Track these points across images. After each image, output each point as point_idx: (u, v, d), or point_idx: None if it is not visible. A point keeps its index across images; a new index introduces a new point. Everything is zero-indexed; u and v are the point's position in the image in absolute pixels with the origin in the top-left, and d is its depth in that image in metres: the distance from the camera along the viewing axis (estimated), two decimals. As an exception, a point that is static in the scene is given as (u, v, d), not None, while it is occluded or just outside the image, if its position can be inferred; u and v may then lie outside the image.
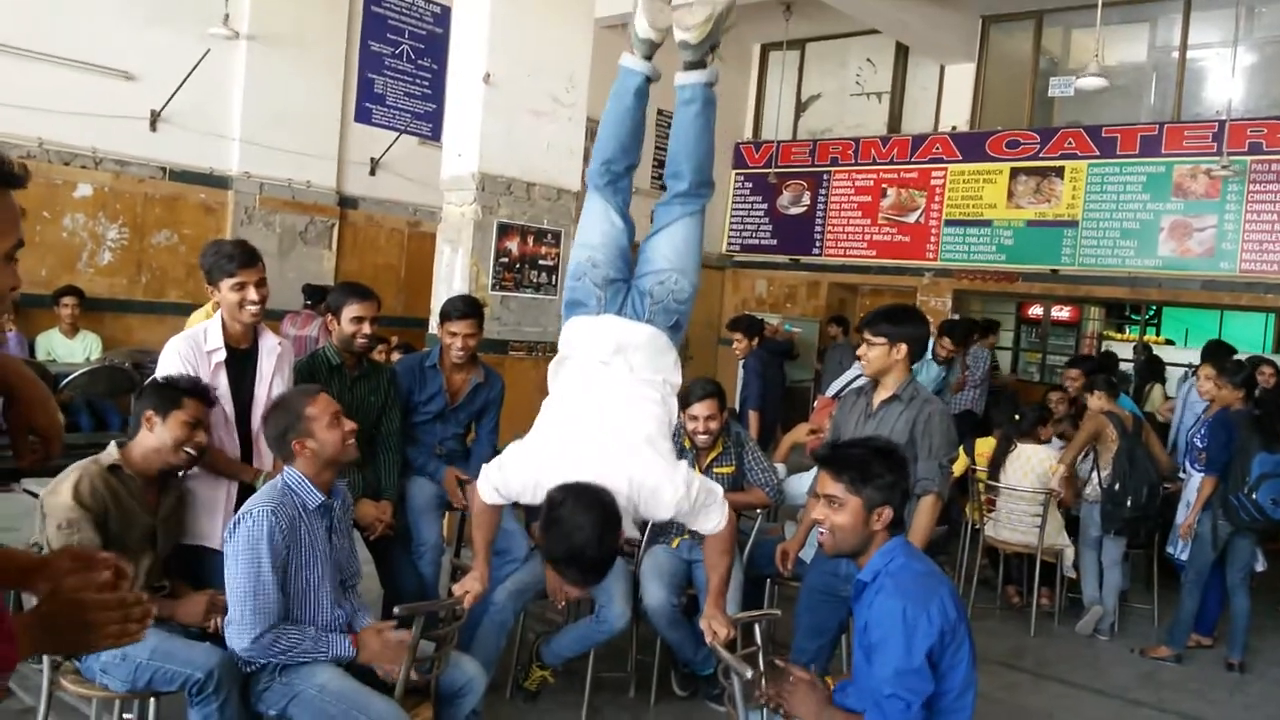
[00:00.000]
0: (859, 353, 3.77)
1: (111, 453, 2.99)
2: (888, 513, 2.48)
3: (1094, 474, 5.73)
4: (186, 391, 3.04)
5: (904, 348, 3.59)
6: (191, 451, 3.03)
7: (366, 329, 3.94)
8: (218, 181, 8.61)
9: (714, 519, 2.87)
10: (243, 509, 2.85)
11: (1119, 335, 13.61)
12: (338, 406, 2.98)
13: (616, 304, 2.87)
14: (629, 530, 2.76)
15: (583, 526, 2.47)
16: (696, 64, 2.90)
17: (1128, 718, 4.66)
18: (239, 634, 2.74)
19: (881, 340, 3.60)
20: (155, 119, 8.13)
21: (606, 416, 2.73)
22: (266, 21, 8.64)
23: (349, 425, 2.97)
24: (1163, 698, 4.86)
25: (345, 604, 3.00)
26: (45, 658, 2.87)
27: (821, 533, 2.55)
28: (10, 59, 7.28)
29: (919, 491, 3.43)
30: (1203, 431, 5.53)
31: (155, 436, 3.00)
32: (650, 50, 2.94)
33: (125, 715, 3.11)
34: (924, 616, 2.31)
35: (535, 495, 2.68)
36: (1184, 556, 5.45)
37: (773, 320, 10.77)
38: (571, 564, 2.54)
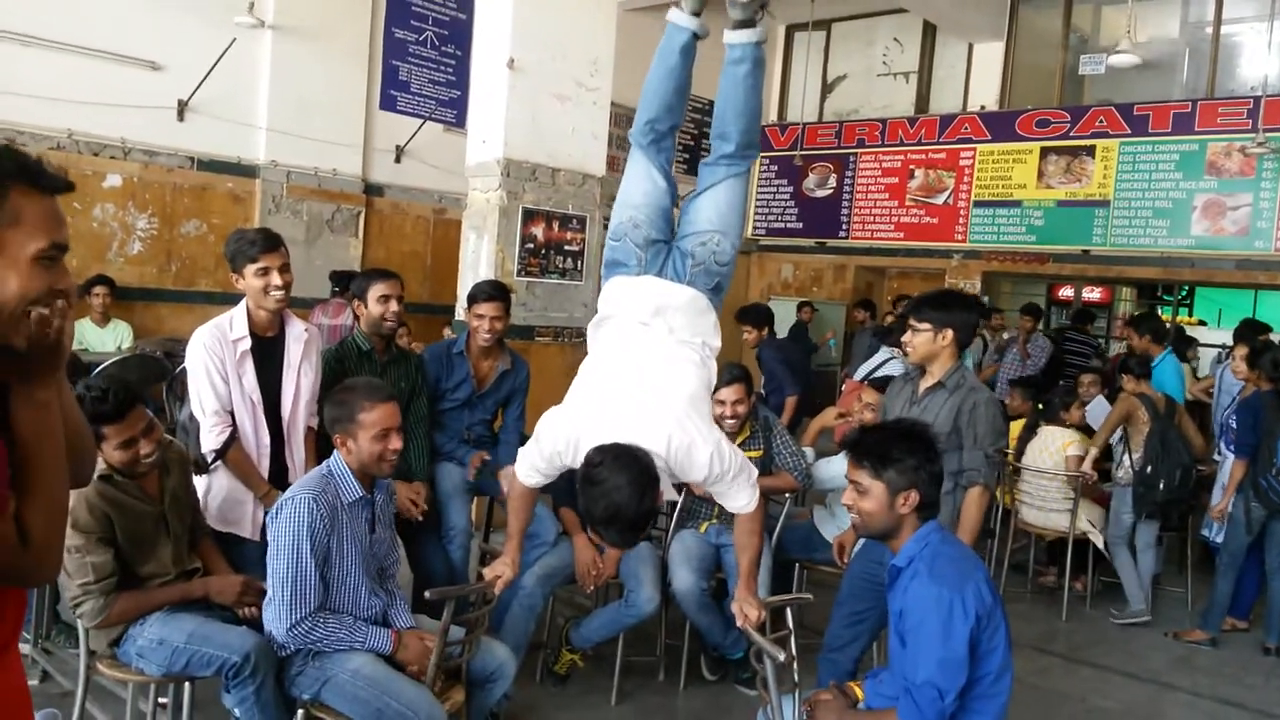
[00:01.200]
0: (903, 339, 3.64)
1: (99, 462, 2.83)
2: (913, 496, 2.46)
3: (1125, 456, 5.67)
4: (106, 417, 2.80)
5: (950, 334, 3.48)
6: (147, 462, 2.89)
7: (394, 306, 3.96)
8: (245, 170, 8.67)
9: (744, 496, 2.86)
10: (287, 494, 2.88)
11: (1151, 316, 13.45)
12: (393, 424, 2.89)
13: (658, 265, 2.85)
14: (667, 492, 2.75)
15: (620, 486, 2.45)
16: (746, 22, 2.84)
17: (1162, 702, 4.62)
18: (278, 620, 2.76)
19: (926, 326, 3.49)
20: (182, 109, 8.19)
21: (646, 375, 2.72)
22: (291, 10, 8.68)
23: (394, 444, 2.89)
24: (1197, 682, 4.81)
25: (382, 593, 3.02)
26: (82, 644, 2.90)
27: (853, 517, 2.56)
28: (38, 51, 7.35)
29: (965, 483, 3.36)
30: (1235, 413, 5.47)
31: (106, 458, 2.85)
32: (700, 6, 2.89)
33: (161, 699, 3.14)
34: (960, 602, 2.29)
35: (575, 456, 2.66)
36: (1219, 539, 5.39)
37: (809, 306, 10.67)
38: (611, 524, 2.51)
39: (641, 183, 2.94)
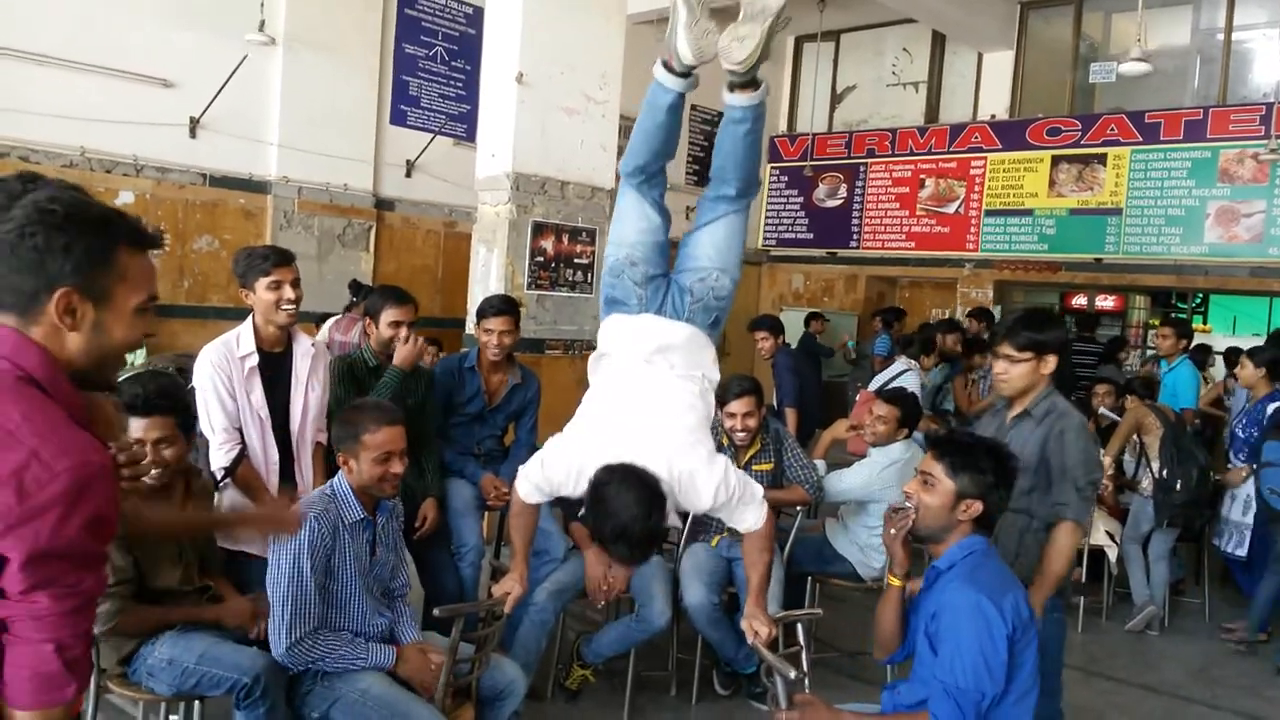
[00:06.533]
0: (996, 372, 3.22)
1: None
2: (976, 506, 2.46)
3: (1145, 466, 5.64)
4: (132, 409, 2.84)
5: (1053, 360, 3.10)
6: (162, 466, 2.88)
7: (404, 333, 3.98)
8: (257, 186, 8.71)
9: (751, 516, 2.86)
10: None
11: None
12: (396, 448, 2.89)
13: (657, 302, 2.84)
14: (670, 518, 2.75)
15: (629, 504, 2.48)
16: (747, 83, 2.70)
17: (1180, 715, 4.57)
18: (277, 640, 2.76)
19: (1028, 355, 3.08)
20: (194, 125, 8.23)
21: (646, 409, 2.74)
22: (302, 26, 8.73)
23: (396, 468, 2.89)
24: (1216, 694, 4.76)
25: (388, 613, 3.01)
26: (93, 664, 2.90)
27: (907, 508, 2.57)
28: (52, 69, 7.40)
29: (1050, 518, 3.03)
30: (1244, 421, 5.45)
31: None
32: (690, 67, 2.72)
33: (171, 716, 3.14)
34: (997, 611, 2.30)
35: (577, 485, 2.68)
36: (1231, 550, 5.46)
37: (820, 315, 10.59)
38: (619, 541, 2.53)
39: (636, 221, 2.90)
